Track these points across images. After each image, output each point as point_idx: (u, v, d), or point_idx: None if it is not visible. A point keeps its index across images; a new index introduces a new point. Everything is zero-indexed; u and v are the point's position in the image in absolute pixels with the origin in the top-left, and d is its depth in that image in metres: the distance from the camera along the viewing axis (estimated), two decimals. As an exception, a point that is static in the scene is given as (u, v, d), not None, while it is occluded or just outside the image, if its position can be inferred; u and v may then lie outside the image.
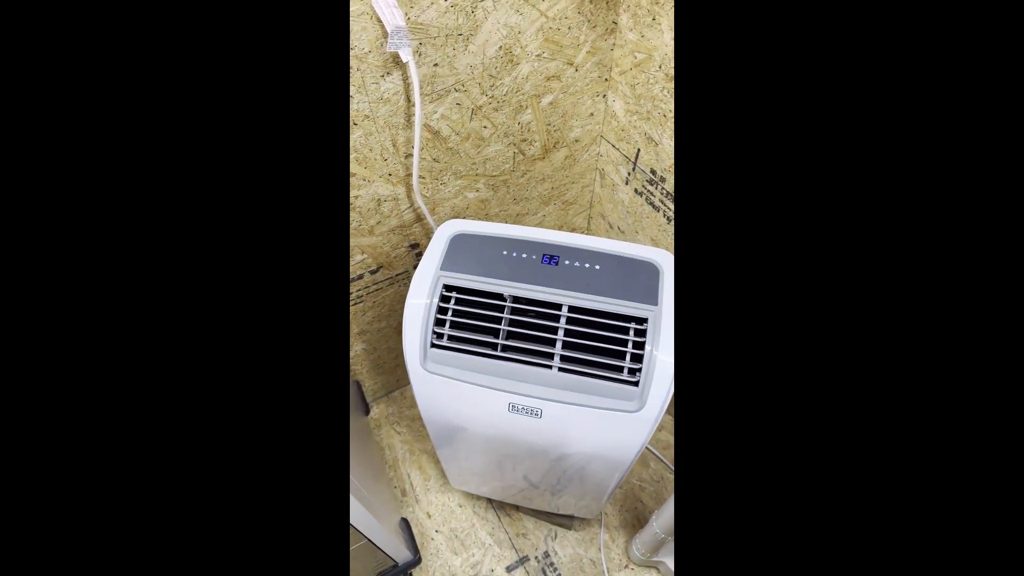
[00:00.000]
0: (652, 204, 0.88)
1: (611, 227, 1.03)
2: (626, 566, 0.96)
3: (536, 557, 0.98)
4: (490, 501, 1.05)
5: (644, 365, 0.56)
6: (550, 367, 0.57)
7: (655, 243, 0.91)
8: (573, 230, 1.11)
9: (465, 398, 0.62)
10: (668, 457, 1.08)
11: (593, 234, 1.12)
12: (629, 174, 0.90)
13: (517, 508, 1.03)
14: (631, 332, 0.57)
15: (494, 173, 0.87)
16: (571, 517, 1.00)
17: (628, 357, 0.56)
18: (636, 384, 0.56)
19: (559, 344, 0.57)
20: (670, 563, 0.88)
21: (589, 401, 0.57)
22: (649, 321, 0.56)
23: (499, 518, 1.02)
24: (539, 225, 1.04)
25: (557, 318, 0.58)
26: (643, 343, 0.56)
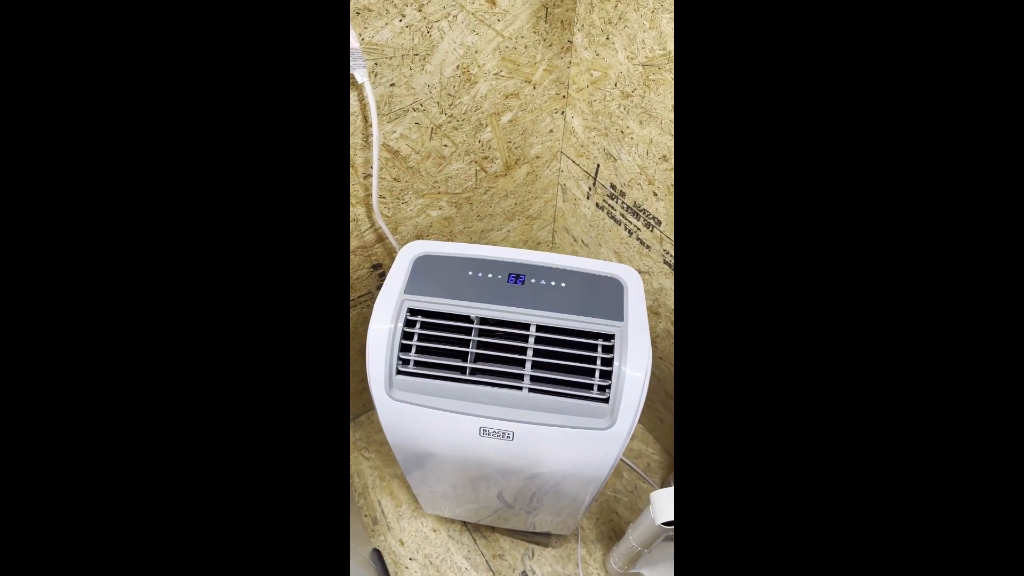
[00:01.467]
0: (613, 218, 0.89)
1: (575, 240, 1.04)
2: (604, 580, 0.95)
3: (514, 578, 0.96)
4: (465, 524, 1.02)
5: (613, 381, 0.56)
6: (520, 388, 0.57)
7: (618, 255, 0.93)
8: (538, 244, 1.12)
9: (434, 425, 0.60)
10: (641, 467, 1.09)
11: (558, 248, 1.12)
12: (590, 189, 0.91)
13: (493, 529, 1.01)
14: (599, 349, 0.57)
15: (456, 191, 0.86)
16: (547, 534, 0.99)
17: (597, 374, 0.56)
18: (606, 401, 0.56)
19: (529, 365, 0.57)
20: (648, 574, 0.88)
21: (560, 421, 0.57)
22: (616, 337, 0.57)
23: (474, 540, 1.00)
24: (504, 240, 1.04)
25: (526, 338, 0.57)
26: (611, 359, 0.56)
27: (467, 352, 0.57)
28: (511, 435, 0.59)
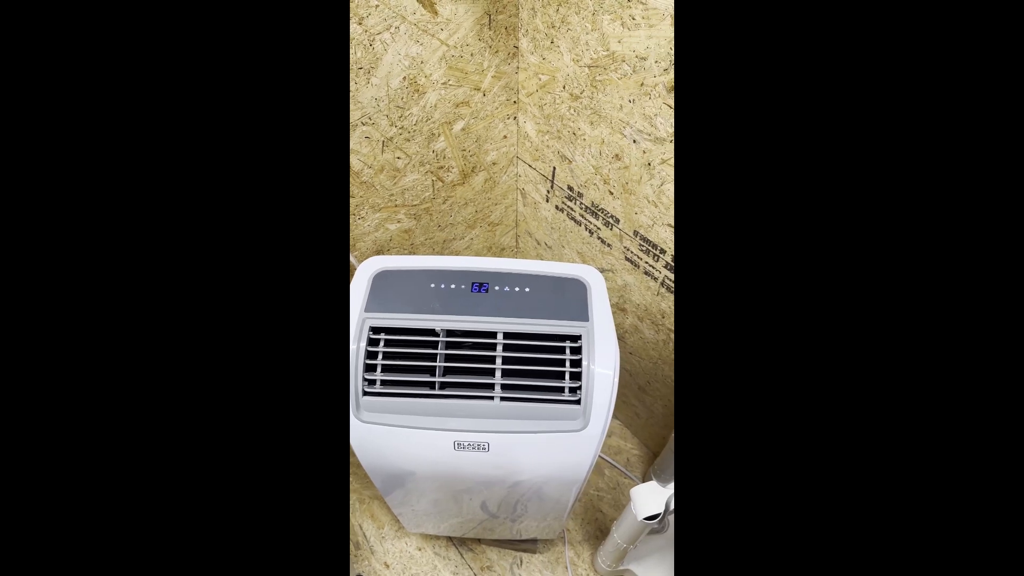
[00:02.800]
0: (574, 219, 0.90)
1: (539, 243, 1.05)
2: (594, 580, 0.95)
3: (504, 589, 0.95)
4: (450, 539, 1.00)
5: (584, 381, 0.56)
6: (492, 398, 0.56)
7: (581, 256, 0.94)
8: (502, 250, 1.12)
9: (407, 443, 0.59)
10: (621, 463, 1.10)
11: (523, 252, 1.13)
12: (548, 191, 0.92)
13: (479, 541, 1.00)
14: (567, 351, 0.57)
15: (414, 202, 0.85)
16: (534, 540, 0.98)
17: (567, 376, 0.56)
18: (578, 402, 0.56)
19: (499, 373, 0.56)
20: (636, 569, 0.88)
21: (535, 427, 0.56)
22: (583, 337, 0.57)
23: (461, 555, 0.99)
24: (467, 249, 1.03)
25: (494, 346, 0.57)
26: (580, 360, 0.56)
27: (435, 366, 0.56)
28: (486, 446, 0.58)
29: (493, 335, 0.57)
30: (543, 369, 0.56)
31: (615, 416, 1.16)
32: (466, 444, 0.58)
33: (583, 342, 0.57)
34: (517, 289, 0.60)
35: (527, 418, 0.56)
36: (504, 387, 0.56)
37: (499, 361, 0.56)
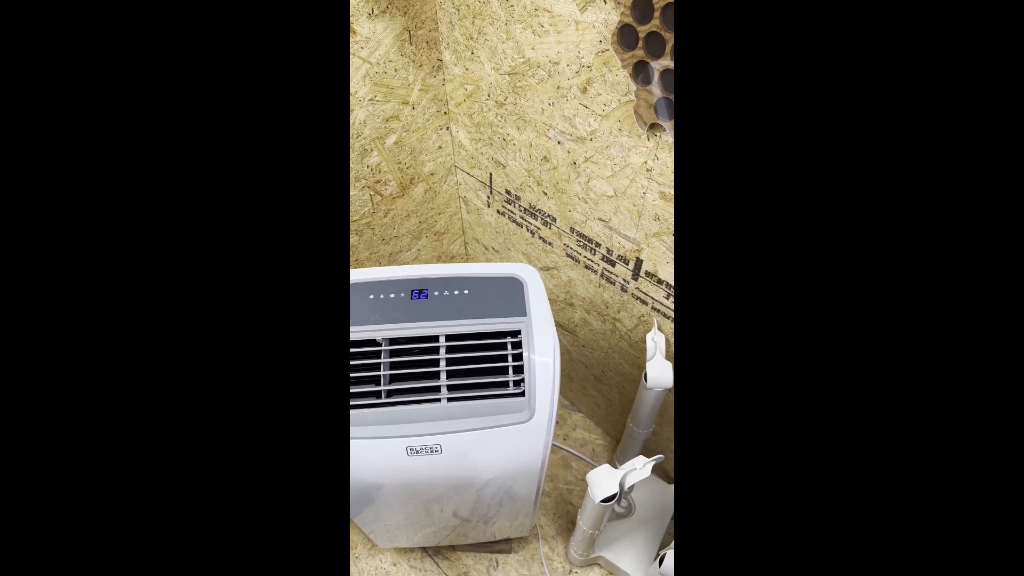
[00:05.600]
0: (515, 222, 0.92)
1: (487, 249, 1.07)
2: (570, 572, 0.97)
3: (482, 592, 0.95)
4: (424, 549, 1.00)
5: (526, 374, 0.58)
6: (439, 400, 0.57)
7: (527, 256, 0.96)
8: (452, 259, 1.13)
9: (360, 455, 0.59)
10: (587, 454, 1.13)
11: (472, 259, 1.14)
12: (489, 197, 0.94)
13: (453, 548, 1.00)
14: (508, 346, 0.59)
15: (354, 218, 0.86)
16: (508, 540, 0.99)
17: (511, 370, 0.58)
18: (523, 394, 0.58)
19: (443, 375, 0.57)
20: (607, 555, 0.91)
21: (483, 424, 0.58)
22: (523, 331, 0.59)
23: (437, 564, 0.99)
24: (416, 260, 1.04)
25: (436, 350, 0.58)
26: (521, 353, 0.58)
27: (380, 375, 0.57)
28: (439, 448, 0.59)
29: (435, 339, 0.58)
30: (487, 366, 0.58)
31: (577, 409, 1.19)
32: (419, 448, 0.59)
33: (523, 336, 0.59)
34: (456, 292, 0.62)
35: (476, 415, 0.58)
36: (450, 388, 0.57)
37: (443, 364, 0.58)
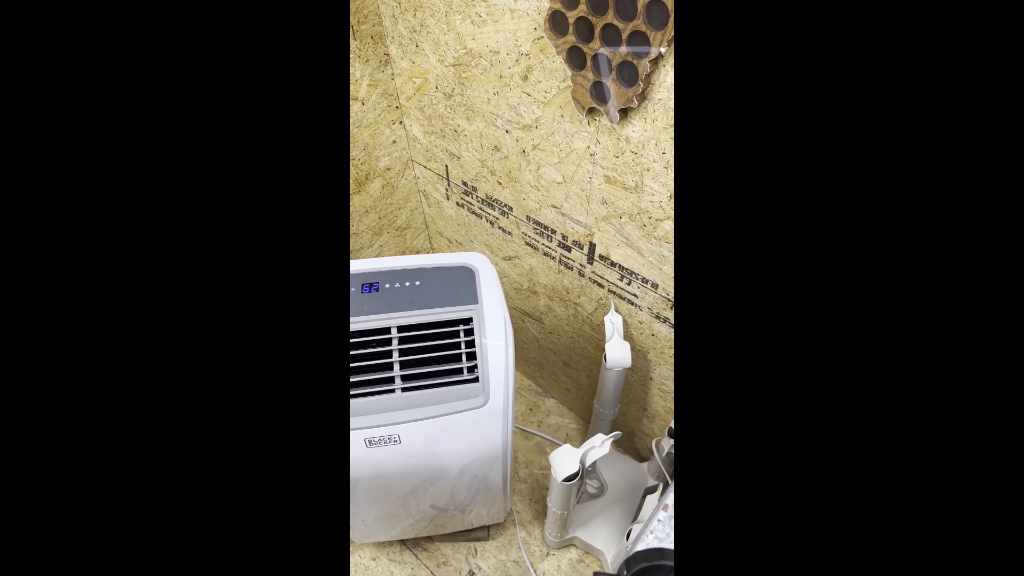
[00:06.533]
0: (474, 213, 0.93)
1: (450, 242, 1.07)
2: (547, 554, 0.99)
3: (462, 580, 0.97)
4: (403, 542, 1.01)
5: (479, 361, 0.59)
6: (393, 391, 0.58)
7: (489, 247, 0.97)
8: (418, 252, 1.13)
9: (319, 448, 0.60)
10: (561, 438, 1.14)
11: (437, 252, 1.15)
12: (447, 190, 0.95)
13: (431, 539, 1.01)
14: (461, 334, 0.60)
15: (311, 217, 0.85)
16: (486, 528, 1.01)
17: (464, 357, 0.59)
18: (477, 380, 0.59)
19: (396, 366, 0.58)
20: (581, 535, 0.93)
21: (438, 411, 0.59)
22: (474, 319, 0.60)
23: (416, 556, 1.00)
24: (378, 255, 1.04)
25: (389, 342, 0.59)
26: (473, 340, 0.59)
27: (333, 369, 0.58)
28: (397, 438, 0.60)
29: (387, 331, 0.59)
30: (440, 355, 0.59)
31: (550, 395, 1.21)
32: (377, 440, 0.59)
33: (475, 323, 0.60)
34: (408, 284, 0.63)
35: (431, 403, 0.59)
36: (404, 378, 0.58)
37: (396, 355, 0.58)
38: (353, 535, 0.91)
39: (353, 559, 0.99)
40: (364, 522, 0.86)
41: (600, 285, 0.80)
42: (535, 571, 0.97)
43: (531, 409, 1.20)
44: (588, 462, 0.68)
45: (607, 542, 0.92)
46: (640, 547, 0.54)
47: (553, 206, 0.76)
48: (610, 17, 0.50)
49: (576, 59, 0.57)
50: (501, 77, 0.67)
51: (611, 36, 0.51)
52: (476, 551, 1.00)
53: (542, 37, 0.59)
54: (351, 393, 0.58)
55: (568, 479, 0.69)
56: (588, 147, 0.64)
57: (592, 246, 0.75)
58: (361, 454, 0.61)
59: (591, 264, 0.78)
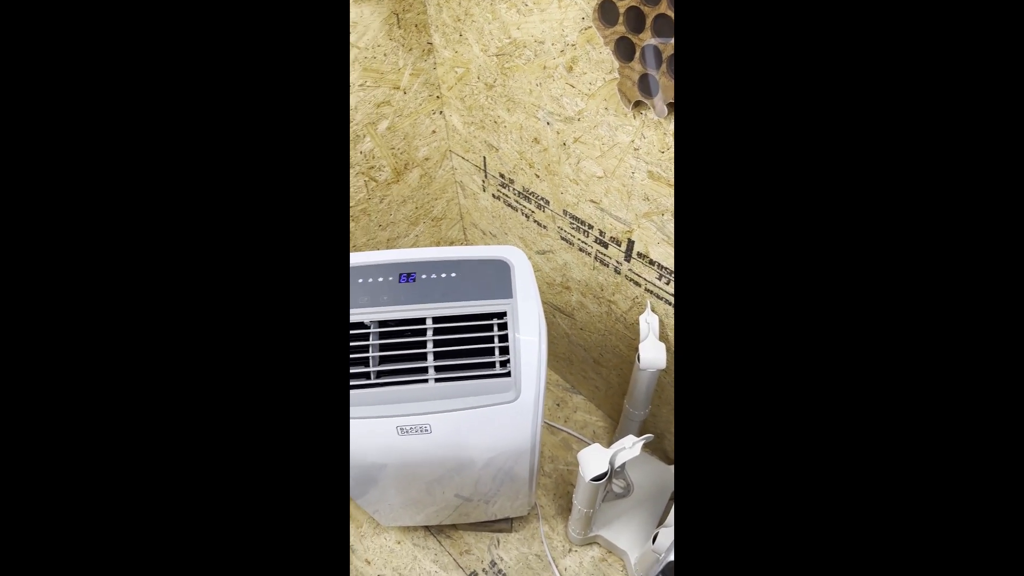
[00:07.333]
0: (510, 206, 0.92)
1: (484, 233, 1.07)
2: (570, 551, 0.99)
3: (483, 569, 0.98)
4: (427, 528, 1.03)
5: (512, 354, 0.59)
6: (426, 380, 0.58)
7: (524, 241, 0.96)
8: (451, 244, 1.14)
9: (354, 435, 0.61)
10: (588, 435, 1.14)
11: (470, 244, 1.15)
12: (484, 181, 0.94)
13: (455, 527, 1.03)
14: (495, 327, 0.59)
15: (350, 205, 0.87)
16: (509, 520, 1.01)
17: (497, 351, 0.59)
18: (509, 374, 0.59)
19: (431, 356, 0.58)
20: (604, 534, 0.92)
21: (470, 403, 0.59)
22: (508, 313, 0.60)
23: (439, 542, 1.01)
24: (414, 245, 1.05)
25: (424, 332, 0.59)
26: (507, 335, 0.59)
27: (369, 357, 0.58)
28: (428, 428, 0.60)
29: (423, 321, 0.59)
30: (473, 347, 0.59)
31: (578, 391, 1.20)
32: (408, 428, 0.60)
33: (508, 317, 0.59)
34: (444, 276, 0.63)
35: (463, 395, 0.59)
36: (437, 369, 0.58)
37: (430, 345, 0.59)
38: (379, 518, 0.93)
39: (379, 541, 1.02)
40: (391, 506, 0.87)
41: (636, 283, 0.78)
42: (557, 566, 0.97)
43: (558, 404, 1.19)
44: (617, 463, 0.67)
45: (631, 543, 0.91)
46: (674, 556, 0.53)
47: (592, 201, 0.75)
48: (663, 7, 0.48)
49: (624, 50, 0.55)
50: (545, 68, 0.66)
51: (663, 27, 0.49)
52: (499, 542, 1.01)
53: (590, 27, 0.57)
54: (385, 381, 0.58)
55: (596, 479, 0.68)
56: (632, 141, 0.62)
57: (631, 243, 0.74)
58: (392, 441, 0.62)
59: (628, 261, 0.76)
